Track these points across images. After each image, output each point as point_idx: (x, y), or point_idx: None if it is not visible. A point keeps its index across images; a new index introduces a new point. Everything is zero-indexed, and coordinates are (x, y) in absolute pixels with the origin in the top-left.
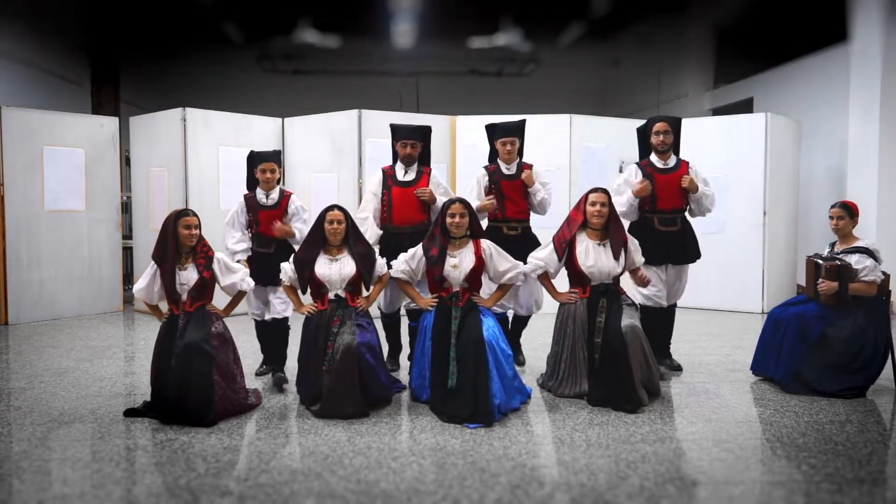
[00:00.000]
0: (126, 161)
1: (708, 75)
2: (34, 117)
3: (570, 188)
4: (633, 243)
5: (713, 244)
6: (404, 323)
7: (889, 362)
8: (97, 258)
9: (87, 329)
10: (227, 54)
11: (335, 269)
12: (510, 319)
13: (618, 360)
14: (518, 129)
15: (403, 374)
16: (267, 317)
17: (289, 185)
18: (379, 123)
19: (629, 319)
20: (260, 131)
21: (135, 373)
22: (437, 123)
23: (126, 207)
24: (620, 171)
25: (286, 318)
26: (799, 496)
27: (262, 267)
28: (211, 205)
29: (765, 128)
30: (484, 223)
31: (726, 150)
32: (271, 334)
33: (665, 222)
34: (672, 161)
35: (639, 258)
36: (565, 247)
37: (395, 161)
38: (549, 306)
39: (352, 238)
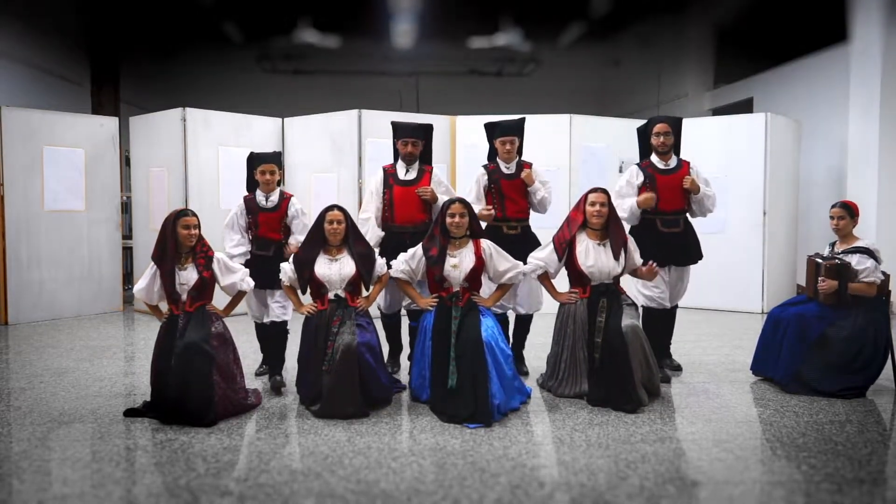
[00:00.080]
0: (126, 161)
1: (708, 75)
2: (34, 117)
3: (570, 188)
4: (632, 243)
5: (713, 244)
6: (404, 323)
7: (889, 362)
8: (97, 258)
9: (87, 329)
10: (227, 54)
11: (335, 269)
12: (512, 319)
13: (618, 360)
14: (517, 128)
15: (403, 375)
16: (266, 320)
17: (289, 185)
18: (379, 123)
19: (629, 319)
20: (260, 131)
21: (135, 373)
22: (437, 123)
23: (126, 207)
24: (620, 171)
25: (285, 322)
26: (799, 496)
27: (262, 270)
28: (211, 205)
29: (765, 128)
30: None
31: (726, 151)
32: (270, 337)
33: (667, 223)
34: (673, 162)
35: (637, 258)
36: (565, 247)
37: (396, 159)
38: (549, 306)
39: (351, 238)
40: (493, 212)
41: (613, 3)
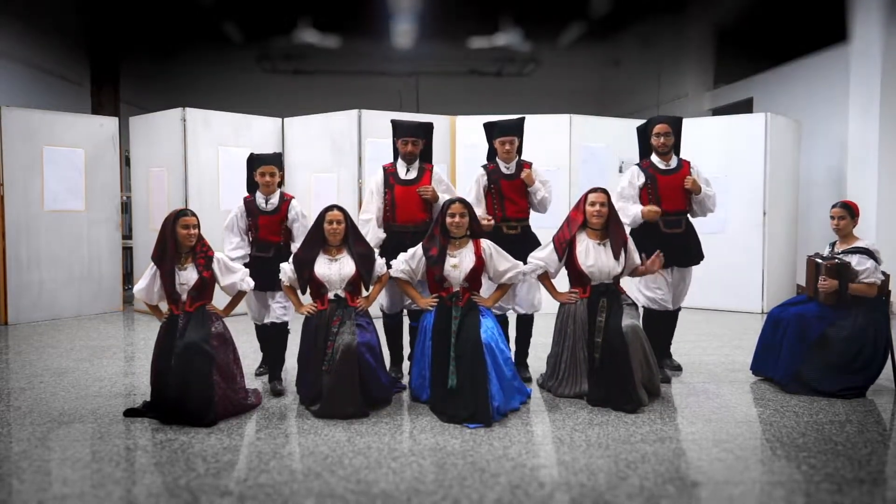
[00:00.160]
0: (126, 161)
1: (708, 75)
2: (34, 117)
3: (570, 188)
4: (631, 243)
5: (713, 244)
6: (404, 323)
7: (889, 362)
8: (97, 258)
9: (87, 329)
10: (227, 54)
11: (335, 269)
12: (512, 320)
13: (618, 360)
14: (517, 128)
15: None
16: (266, 320)
17: (288, 185)
18: (379, 123)
19: (630, 319)
20: (260, 131)
21: (135, 373)
22: (437, 123)
23: (126, 207)
24: (620, 171)
25: (285, 323)
26: (799, 496)
27: (262, 271)
28: (211, 205)
29: (765, 128)
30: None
31: (726, 151)
32: (270, 338)
33: (670, 224)
34: (674, 162)
35: (637, 258)
36: (565, 247)
37: (395, 158)
38: (549, 306)
39: (351, 238)
40: (492, 222)
41: (613, 3)
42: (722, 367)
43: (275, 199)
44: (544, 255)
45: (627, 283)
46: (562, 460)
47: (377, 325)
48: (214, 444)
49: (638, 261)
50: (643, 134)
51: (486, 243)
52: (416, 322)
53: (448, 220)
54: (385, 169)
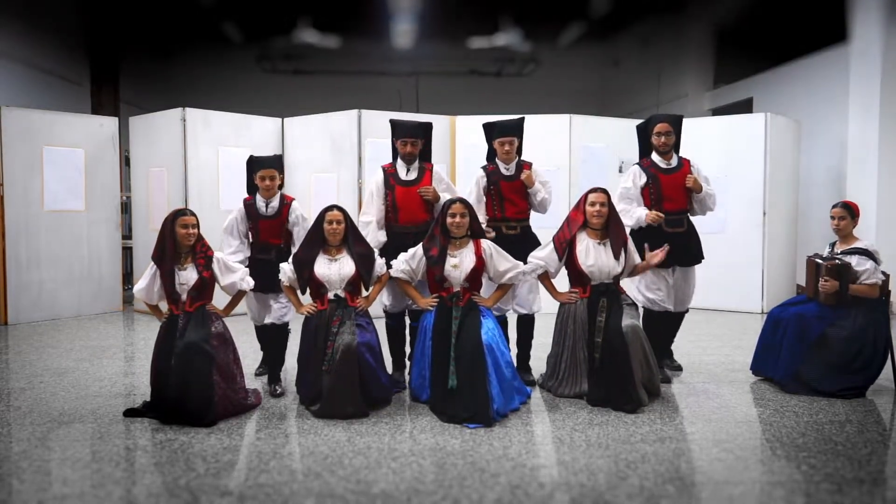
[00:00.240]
0: (126, 161)
1: (708, 75)
2: (34, 117)
3: (570, 188)
4: (630, 243)
5: (713, 244)
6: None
7: (889, 362)
8: (97, 258)
9: (87, 329)
10: (227, 54)
11: (334, 269)
12: (512, 321)
13: (618, 360)
14: (516, 128)
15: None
16: (267, 320)
17: (288, 184)
18: (379, 123)
19: (630, 319)
20: (260, 131)
21: (135, 373)
22: (437, 123)
23: (126, 207)
24: (620, 171)
25: (286, 324)
26: (799, 496)
27: (263, 274)
28: (211, 205)
29: (764, 128)
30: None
31: (726, 150)
32: (271, 339)
33: (672, 224)
34: (674, 160)
35: (636, 257)
36: (565, 246)
37: (394, 158)
38: (550, 306)
39: (351, 238)
40: (493, 234)
41: (613, 3)
42: (722, 367)
43: (275, 203)
44: (544, 254)
45: (627, 284)
46: (562, 460)
47: (377, 325)
48: (214, 444)
49: (637, 260)
50: (643, 133)
51: (486, 243)
52: (416, 322)
53: (449, 220)
54: (385, 170)
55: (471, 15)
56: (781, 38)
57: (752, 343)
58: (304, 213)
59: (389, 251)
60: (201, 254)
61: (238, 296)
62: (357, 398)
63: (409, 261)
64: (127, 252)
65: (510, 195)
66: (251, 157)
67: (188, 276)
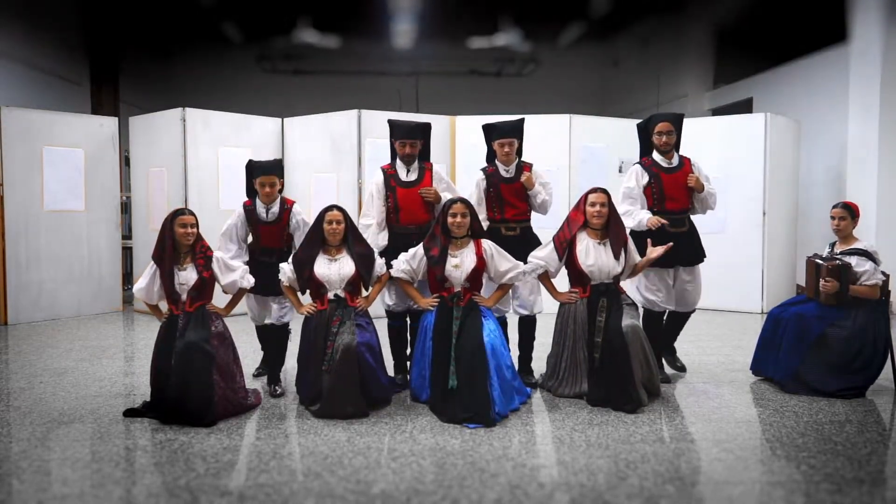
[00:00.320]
0: (126, 161)
1: (707, 75)
2: (34, 117)
3: (570, 189)
4: (630, 243)
5: (713, 244)
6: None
7: (889, 362)
8: (97, 258)
9: (87, 329)
10: (227, 54)
11: (334, 269)
12: (512, 322)
13: (618, 360)
14: (516, 130)
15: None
16: (267, 321)
17: (288, 185)
18: (378, 123)
19: (630, 319)
20: (260, 131)
21: (135, 373)
22: (437, 123)
23: (126, 207)
24: (620, 171)
25: (286, 324)
26: (799, 496)
27: (264, 276)
28: (210, 205)
29: (764, 128)
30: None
31: (726, 151)
32: (271, 339)
33: (675, 223)
34: (675, 159)
35: (636, 257)
36: (565, 246)
37: (393, 158)
38: (550, 306)
39: (351, 238)
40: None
41: (613, 3)
42: (722, 367)
43: (275, 208)
44: (544, 254)
45: (627, 286)
46: (562, 460)
47: (378, 325)
48: (214, 444)
49: (637, 259)
50: (644, 132)
51: (486, 243)
52: (417, 322)
53: (449, 220)
54: (384, 171)
55: (471, 15)
56: (781, 38)
57: (752, 343)
58: (305, 218)
59: (390, 252)
60: (201, 254)
61: (238, 294)
62: (357, 398)
63: (409, 261)
64: (127, 252)
65: (510, 197)
66: (251, 161)
67: (188, 275)
